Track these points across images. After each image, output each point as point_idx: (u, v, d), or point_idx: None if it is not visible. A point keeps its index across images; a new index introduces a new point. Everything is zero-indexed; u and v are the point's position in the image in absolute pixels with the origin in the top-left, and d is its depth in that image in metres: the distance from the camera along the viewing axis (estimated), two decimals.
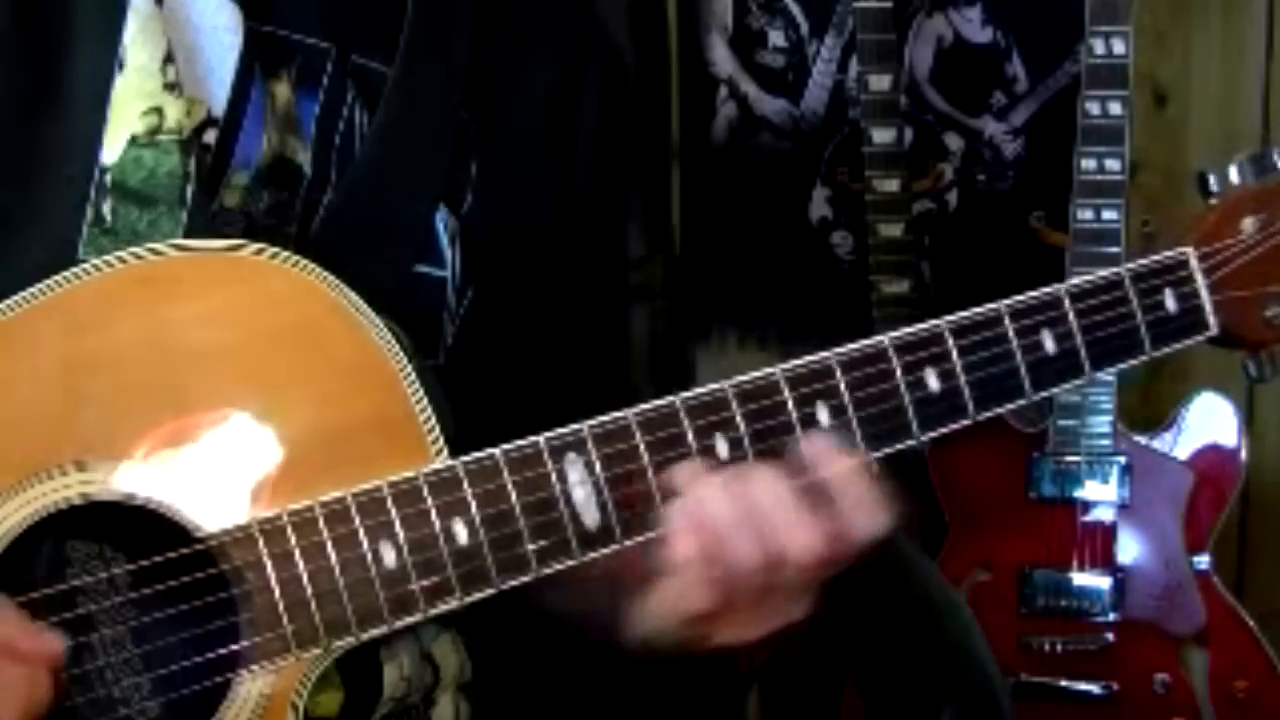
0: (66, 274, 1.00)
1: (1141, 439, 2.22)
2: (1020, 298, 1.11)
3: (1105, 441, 2.20)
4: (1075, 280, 1.12)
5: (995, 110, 2.47)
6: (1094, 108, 2.15)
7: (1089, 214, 2.16)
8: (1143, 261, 1.14)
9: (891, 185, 2.30)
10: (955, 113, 2.48)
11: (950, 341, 1.09)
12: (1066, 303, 1.11)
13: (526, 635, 1.27)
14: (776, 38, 2.51)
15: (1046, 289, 1.11)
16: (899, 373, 1.08)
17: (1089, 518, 2.22)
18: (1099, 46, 2.14)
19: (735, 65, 2.54)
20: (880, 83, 2.27)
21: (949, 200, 2.51)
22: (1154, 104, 2.46)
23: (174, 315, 1.01)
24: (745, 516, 1.02)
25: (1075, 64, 2.30)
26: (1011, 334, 1.10)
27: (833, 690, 2.20)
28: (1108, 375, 2.12)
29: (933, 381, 1.08)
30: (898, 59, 2.30)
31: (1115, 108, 2.15)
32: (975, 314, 1.10)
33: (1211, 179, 1.17)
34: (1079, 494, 2.21)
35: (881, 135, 2.29)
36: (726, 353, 2.57)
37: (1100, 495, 2.21)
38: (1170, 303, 1.14)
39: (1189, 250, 1.15)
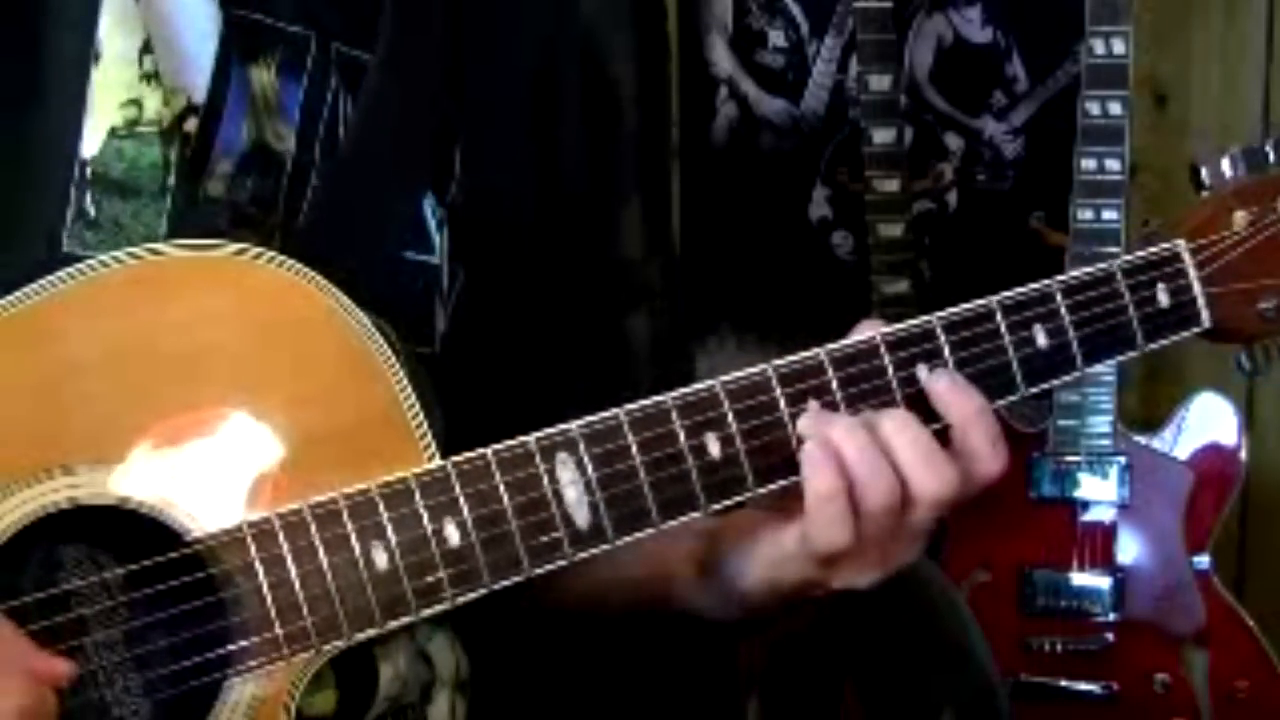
0: (60, 274, 0.99)
1: (1141, 439, 2.22)
2: (1012, 293, 1.10)
3: (1105, 441, 2.20)
4: (1067, 275, 1.12)
5: (995, 110, 2.47)
6: (1094, 108, 2.15)
7: (1089, 214, 2.16)
8: (1134, 256, 1.13)
9: (891, 185, 2.30)
10: (955, 113, 2.48)
11: (942, 337, 1.09)
12: (1058, 297, 1.11)
13: (524, 633, 1.27)
14: (776, 38, 2.51)
15: (1038, 284, 1.11)
16: (890, 369, 1.08)
17: (1089, 517, 2.22)
18: (1099, 46, 2.14)
19: (735, 65, 2.53)
20: (880, 83, 2.27)
21: (949, 200, 2.51)
22: (1154, 104, 2.46)
23: (163, 318, 1.00)
24: (878, 456, 1.03)
25: (1075, 64, 2.30)
26: (1003, 329, 1.10)
27: (833, 695, 2.19)
28: (1106, 375, 2.17)
29: (925, 377, 1.08)
30: (898, 59, 2.30)
31: (1115, 108, 2.15)
32: (967, 309, 1.10)
33: (1204, 172, 1.17)
34: (1079, 494, 2.21)
35: (881, 135, 2.29)
36: (726, 353, 2.57)
37: (1100, 495, 2.21)
38: (1162, 297, 1.13)
39: (1181, 244, 1.14)
